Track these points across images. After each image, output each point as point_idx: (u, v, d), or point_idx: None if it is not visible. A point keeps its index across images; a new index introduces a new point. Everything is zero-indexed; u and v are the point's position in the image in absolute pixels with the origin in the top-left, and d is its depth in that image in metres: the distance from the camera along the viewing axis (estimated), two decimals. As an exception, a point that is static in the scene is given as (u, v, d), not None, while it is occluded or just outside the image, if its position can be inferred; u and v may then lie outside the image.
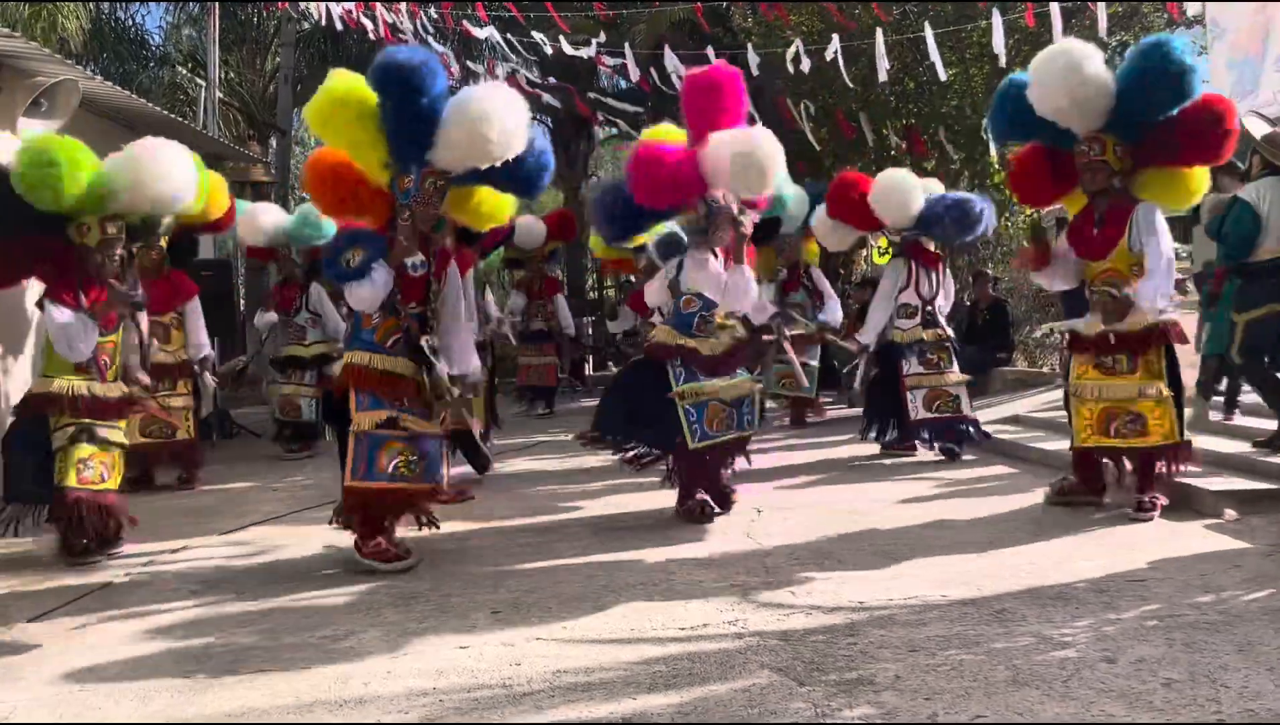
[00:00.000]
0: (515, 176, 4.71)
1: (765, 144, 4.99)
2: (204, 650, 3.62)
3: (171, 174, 5.16)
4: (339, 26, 11.46)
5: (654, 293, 5.57)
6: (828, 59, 9.64)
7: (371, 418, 4.52)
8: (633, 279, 8.76)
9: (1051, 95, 4.77)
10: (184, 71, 16.77)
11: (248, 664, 3.45)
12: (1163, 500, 4.94)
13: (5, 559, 5.18)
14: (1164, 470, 4.93)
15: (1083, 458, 5.17)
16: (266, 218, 8.18)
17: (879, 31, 9.37)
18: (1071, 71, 4.70)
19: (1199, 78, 4.67)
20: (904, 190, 6.78)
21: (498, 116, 4.38)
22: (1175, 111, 4.70)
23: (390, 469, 4.53)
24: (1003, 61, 9.09)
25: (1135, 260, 4.86)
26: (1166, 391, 4.86)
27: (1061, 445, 5.91)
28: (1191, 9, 8.95)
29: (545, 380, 10.90)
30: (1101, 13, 8.75)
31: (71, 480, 4.98)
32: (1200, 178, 4.98)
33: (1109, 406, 4.95)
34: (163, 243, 6.81)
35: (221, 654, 3.57)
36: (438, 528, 4.91)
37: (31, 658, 3.64)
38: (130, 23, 17.34)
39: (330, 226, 7.94)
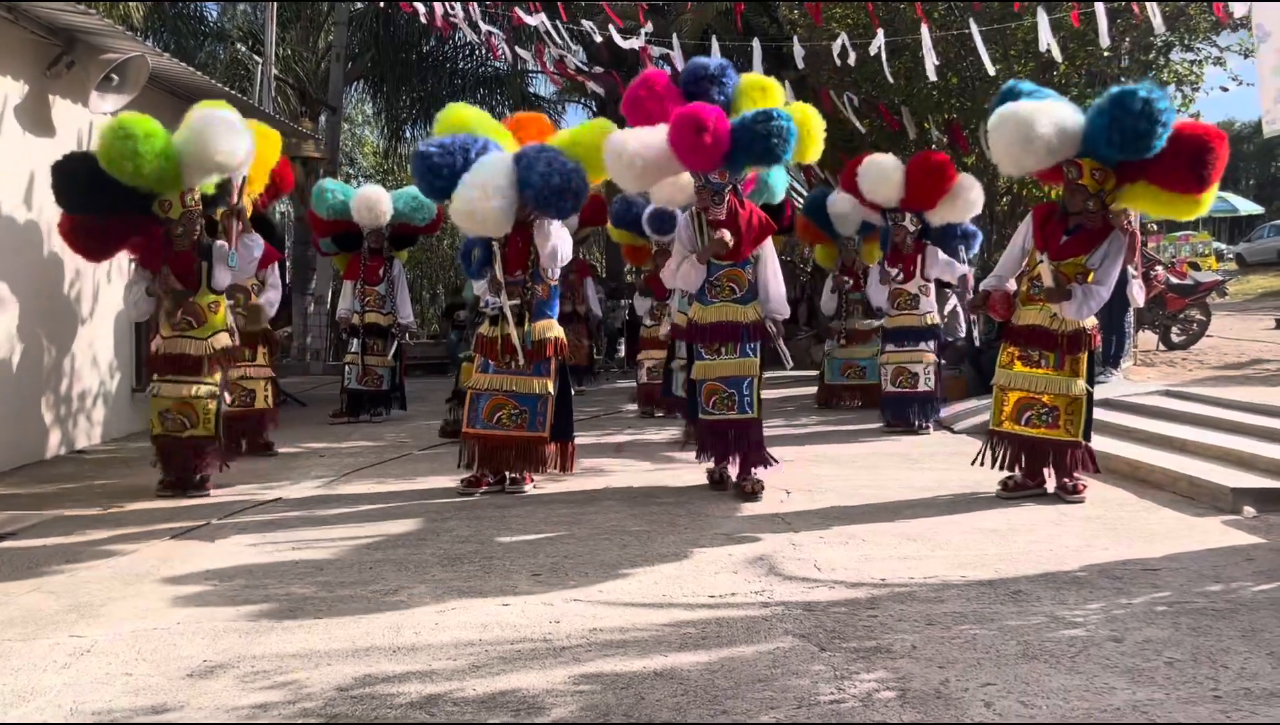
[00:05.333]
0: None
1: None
2: (264, 598, 3.89)
3: (230, 139, 5.58)
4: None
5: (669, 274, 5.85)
6: (871, 53, 9.73)
7: None
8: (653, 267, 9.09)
9: (1016, 158, 5.16)
10: (242, 49, 17.09)
11: (306, 612, 3.71)
12: (1084, 482, 5.40)
13: (84, 513, 5.52)
14: (1069, 464, 5.34)
15: (995, 440, 5.55)
16: (383, 202, 8.82)
17: (924, 28, 9.43)
18: (1021, 137, 5.00)
19: (1165, 127, 4.77)
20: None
21: None
22: (1149, 153, 4.86)
23: None
24: (1056, 56, 9.17)
25: (1086, 270, 5.23)
26: (1084, 390, 5.30)
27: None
28: (1238, 9, 8.89)
29: (578, 359, 11.37)
30: (1156, 15, 8.74)
31: (156, 428, 5.81)
32: (1206, 194, 5.05)
33: (1026, 396, 5.39)
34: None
35: (281, 601, 3.84)
36: None
37: (110, 599, 3.93)
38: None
39: (433, 208, 8.64)
